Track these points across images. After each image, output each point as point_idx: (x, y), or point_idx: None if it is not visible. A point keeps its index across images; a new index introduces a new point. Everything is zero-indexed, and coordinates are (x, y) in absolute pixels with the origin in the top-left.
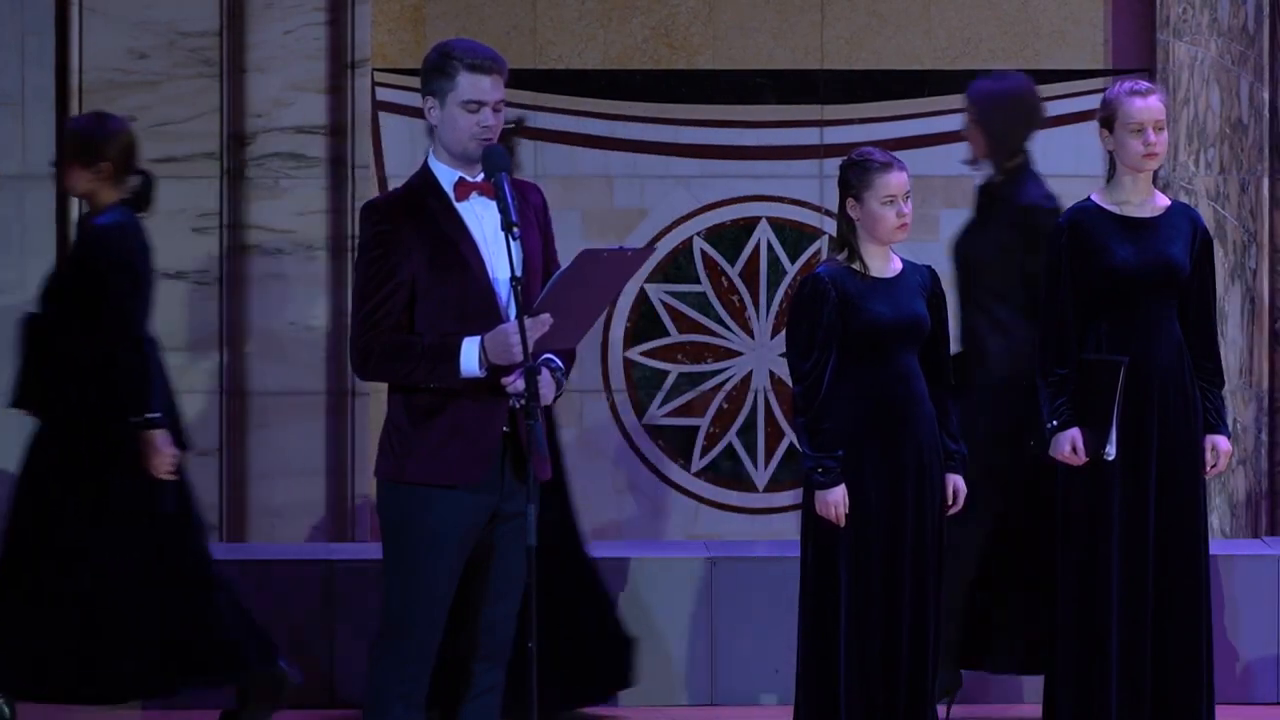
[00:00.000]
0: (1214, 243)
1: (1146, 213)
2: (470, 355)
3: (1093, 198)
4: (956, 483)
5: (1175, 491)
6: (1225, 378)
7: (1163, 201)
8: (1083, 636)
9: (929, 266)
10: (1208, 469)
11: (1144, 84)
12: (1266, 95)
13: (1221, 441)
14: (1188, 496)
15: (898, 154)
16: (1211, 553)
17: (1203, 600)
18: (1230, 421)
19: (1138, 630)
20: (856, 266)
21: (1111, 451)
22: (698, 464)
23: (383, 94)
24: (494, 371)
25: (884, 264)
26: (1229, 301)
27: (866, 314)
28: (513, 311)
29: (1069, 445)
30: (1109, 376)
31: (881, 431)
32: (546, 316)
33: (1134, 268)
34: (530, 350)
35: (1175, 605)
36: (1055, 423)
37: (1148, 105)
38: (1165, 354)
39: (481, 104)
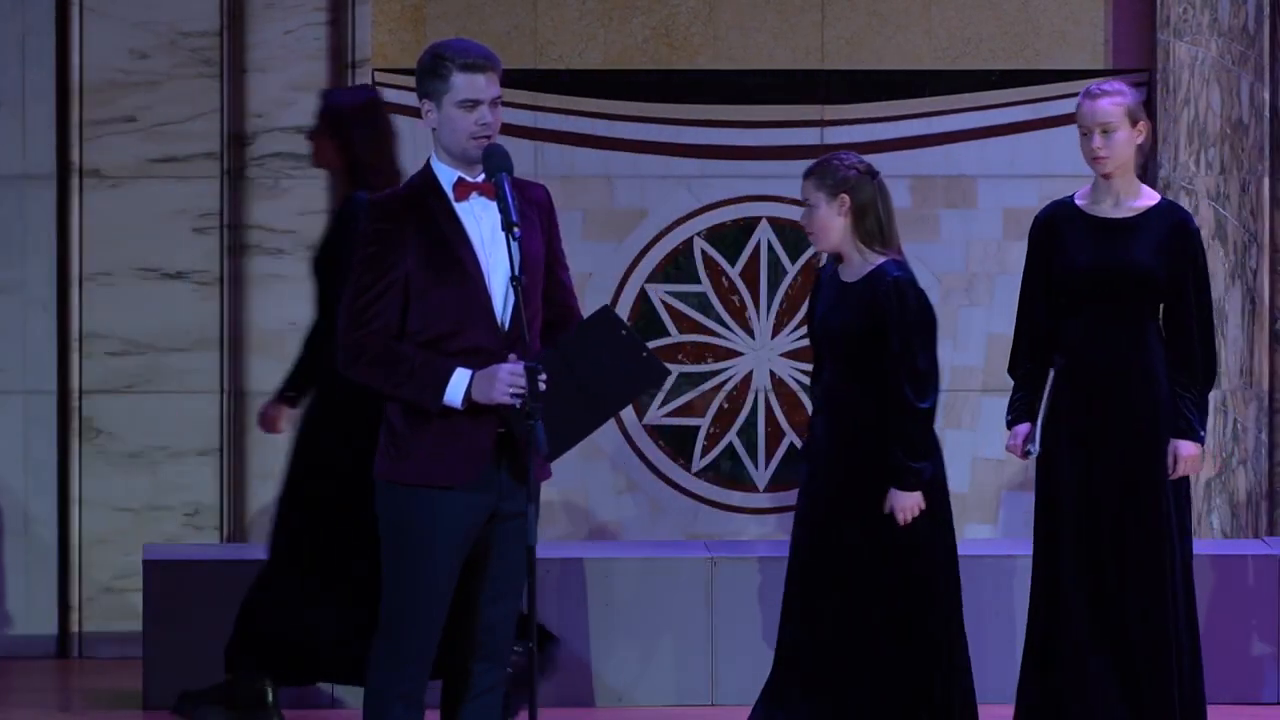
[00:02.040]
0: (1212, 243)
1: (1121, 214)
2: (458, 388)
3: (1074, 196)
4: (889, 494)
5: (1134, 493)
6: (1223, 378)
7: (1143, 203)
8: (1044, 629)
9: (892, 279)
10: (1170, 472)
11: (1105, 85)
12: (1266, 95)
13: (1183, 446)
14: (1147, 498)
15: (898, 154)
16: (1211, 553)
17: (1166, 601)
18: (1230, 422)
19: (1093, 627)
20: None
21: (1033, 449)
22: (698, 464)
23: (383, 94)
24: (472, 406)
25: (851, 268)
26: (1229, 301)
27: (812, 316)
28: (510, 313)
29: (1011, 440)
30: (1041, 377)
31: (811, 438)
32: (543, 376)
33: (1090, 270)
34: (524, 388)
35: (1137, 605)
36: (1010, 417)
37: (1093, 109)
38: (1126, 356)
39: (478, 102)
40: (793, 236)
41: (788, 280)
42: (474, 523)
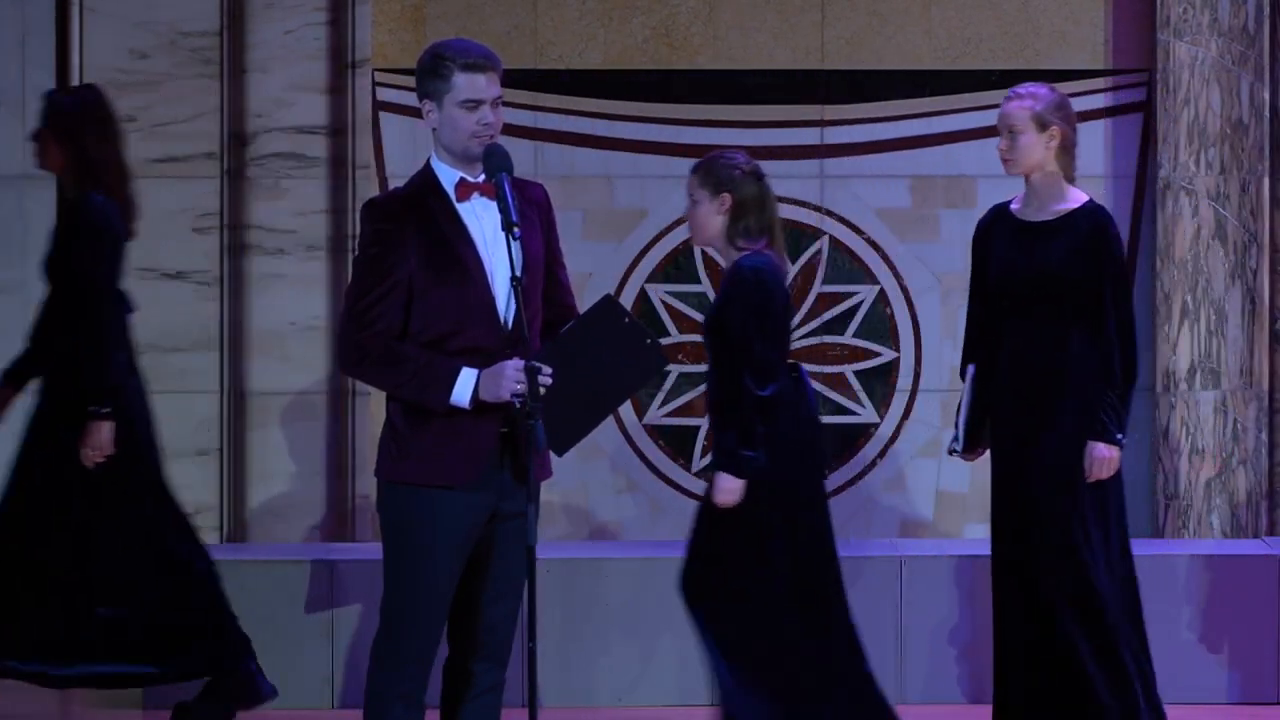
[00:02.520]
0: (1212, 243)
1: (1044, 217)
2: (465, 387)
3: (1013, 201)
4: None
5: (1050, 495)
6: (1223, 378)
7: (1066, 206)
8: (998, 628)
9: (738, 268)
10: (1086, 474)
11: (1024, 88)
12: (1266, 95)
13: (1096, 448)
14: (1062, 497)
15: (898, 154)
16: (1211, 553)
17: (1087, 602)
18: (1230, 422)
19: (1028, 629)
20: None
21: (956, 447)
22: (698, 464)
23: (383, 94)
24: (477, 406)
25: (725, 265)
26: (1229, 301)
27: None
28: (511, 313)
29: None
30: (963, 378)
31: None
32: (548, 370)
33: (1007, 275)
34: (526, 394)
35: (1058, 608)
36: (957, 417)
37: (1004, 109)
38: (1051, 357)
39: (479, 102)
40: (792, 236)
41: (787, 280)
42: (474, 523)
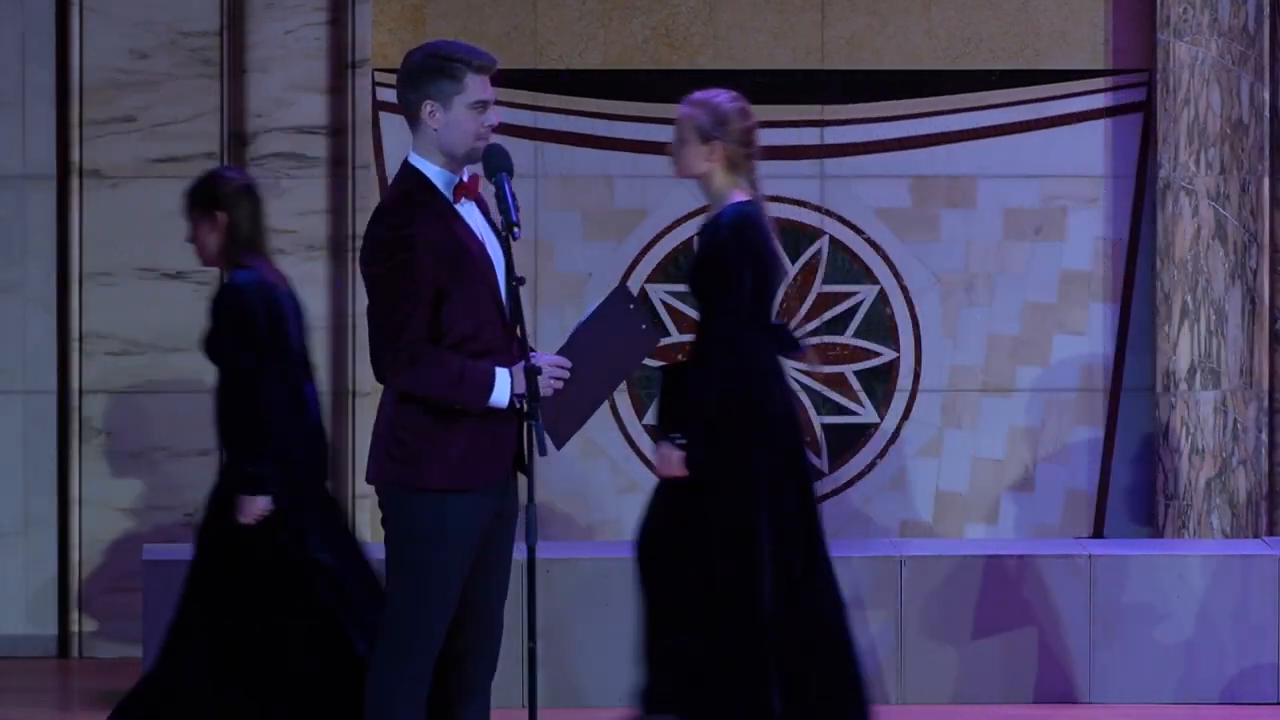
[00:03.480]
0: (1212, 243)
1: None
2: (504, 387)
3: None
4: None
5: (658, 500)
6: (1223, 378)
7: (715, 213)
8: None
9: (225, 286)
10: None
11: (702, 94)
12: (1266, 95)
13: (657, 446)
14: (664, 509)
15: (898, 154)
16: (1211, 553)
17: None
18: (1230, 422)
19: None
20: None
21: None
22: None
23: (383, 94)
24: (500, 409)
25: None
26: (1229, 301)
27: None
28: (511, 312)
29: None
30: None
31: None
32: (565, 361)
33: None
34: (540, 393)
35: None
36: None
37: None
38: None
39: (487, 104)
40: (792, 236)
41: (787, 280)
42: (485, 525)
